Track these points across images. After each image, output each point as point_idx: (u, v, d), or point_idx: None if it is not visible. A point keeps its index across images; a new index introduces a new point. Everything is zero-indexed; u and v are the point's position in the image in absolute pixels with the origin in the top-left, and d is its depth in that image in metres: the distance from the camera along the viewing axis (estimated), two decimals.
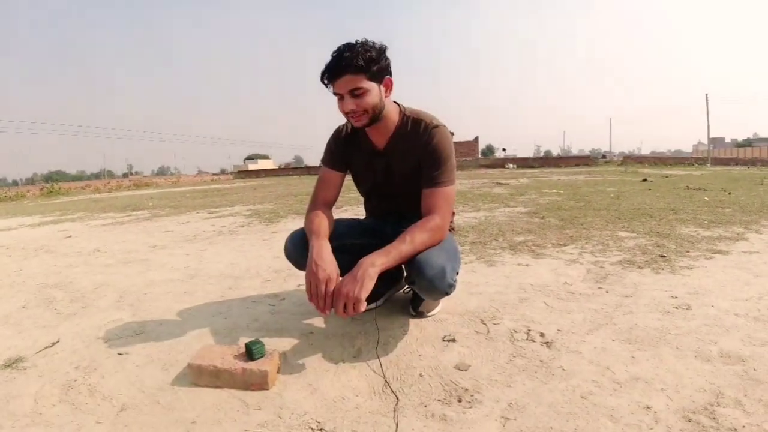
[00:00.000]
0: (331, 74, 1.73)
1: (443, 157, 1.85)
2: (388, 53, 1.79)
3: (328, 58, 1.74)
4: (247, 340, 1.62)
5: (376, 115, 1.82)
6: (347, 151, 2.04)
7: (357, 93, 1.74)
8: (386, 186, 2.04)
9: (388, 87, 1.83)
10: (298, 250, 1.93)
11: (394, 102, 1.93)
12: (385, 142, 1.95)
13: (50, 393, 1.55)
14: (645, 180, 11.45)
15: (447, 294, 1.77)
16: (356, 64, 1.69)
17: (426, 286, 1.72)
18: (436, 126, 1.87)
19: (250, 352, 1.56)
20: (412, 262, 1.71)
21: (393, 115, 1.90)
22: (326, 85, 1.77)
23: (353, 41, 1.75)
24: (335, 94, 1.78)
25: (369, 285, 1.55)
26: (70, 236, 5.33)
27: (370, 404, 1.42)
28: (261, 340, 1.62)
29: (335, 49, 1.74)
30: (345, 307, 1.54)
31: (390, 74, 1.82)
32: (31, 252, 4.37)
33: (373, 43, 1.76)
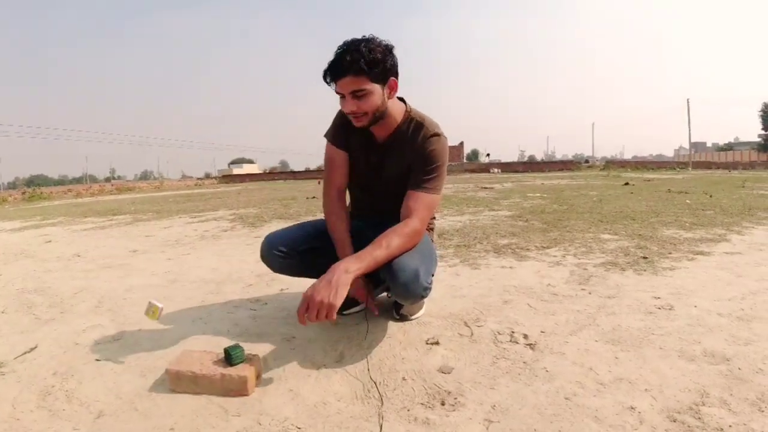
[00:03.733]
0: (332, 74, 1.71)
1: (436, 165, 1.84)
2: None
3: (331, 56, 1.71)
4: (226, 345, 1.59)
5: (376, 117, 1.80)
6: (348, 134, 1.99)
7: (359, 95, 1.72)
8: (373, 181, 2.02)
9: (393, 88, 1.81)
10: (273, 254, 1.93)
11: (401, 101, 1.92)
12: (385, 137, 1.93)
13: (28, 399, 1.52)
14: (627, 184, 11.58)
15: (422, 297, 1.76)
16: (358, 67, 1.66)
17: (401, 291, 1.70)
18: (437, 134, 1.86)
19: (230, 358, 1.53)
20: (387, 267, 1.69)
21: (397, 114, 1.88)
22: (328, 83, 1.74)
23: (360, 38, 1.72)
24: (337, 93, 1.75)
25: (343, 292, 1.49)
26: (50, 241, 5.24)
27: (352, 409, 1.39)
28: (241, 345, 1.59)
29: (340, 45, 1.72)
30: (318, 314, 1.47)
31: (396, 74, 1.79)
32: (10, 257, 4.29)
33: (380, 41, 1.73)
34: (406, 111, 1.92)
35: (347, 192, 2.17)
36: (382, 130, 1.92)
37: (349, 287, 1.52)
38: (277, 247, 1.90)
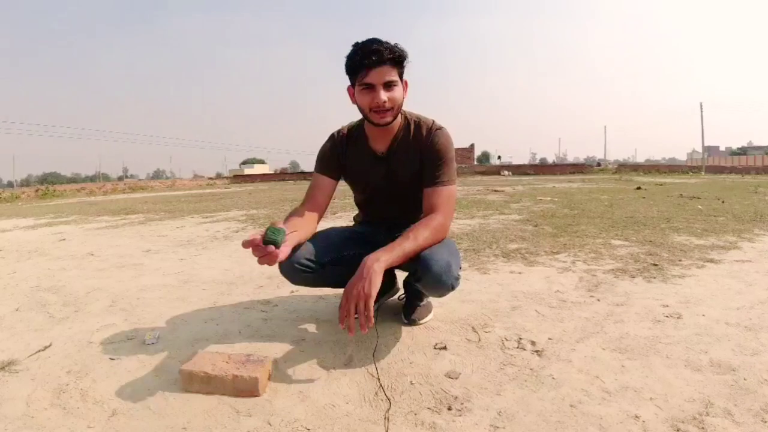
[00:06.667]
0: (371, 61, 1.69)
1: (446, 157, 1.87)
2: None
3: (350, 49, 1.74)
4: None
5: (397, 114, 1.83)
6: (344, 157, 2.00)
7: (392, 86, 1.74)
8: (387, 190, 2.02)
9: (406, 88, 1.85)
10: (294, 268, 1.82)
11: None
12: (387, 146, 1.94)
13: (42, 397, 1.55)
14: (639, 188, 11.48)
15: (453, 288, 1.76)
16: (395, 57, 1.71)
17: (433, 282, 1.71)
18: (439, 128, 1.91)
19: (269, 236, 1.46)
20: (418, 258, 1.70)
21: (397, 119, 1.90)
22: (354, 73, 1.75)
23: (376, 38, 1.74)
24: (364, 84, 1.73)
25: (376, 281, 1.51)
26: (64, 239, 5.31)
27: (360, 412, 1.42)
28: (281, 227, 1.50)
29: (366, 40, 1.74)
30: (356, 308, 1.48)
31: None
32: (24, 254, 4.35)
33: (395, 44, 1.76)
34: (403, 115, 1.94)
35: (360, 208, 2.21)
36: (382, 139, 1.93)
37: (381, 276, 1.55)
38: (299, 261, 1.80)
